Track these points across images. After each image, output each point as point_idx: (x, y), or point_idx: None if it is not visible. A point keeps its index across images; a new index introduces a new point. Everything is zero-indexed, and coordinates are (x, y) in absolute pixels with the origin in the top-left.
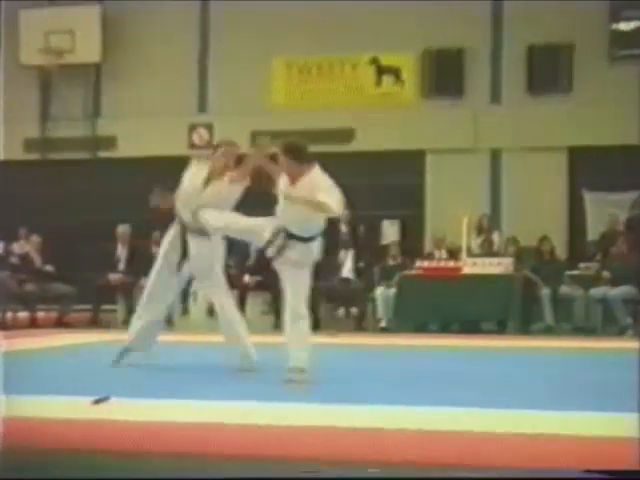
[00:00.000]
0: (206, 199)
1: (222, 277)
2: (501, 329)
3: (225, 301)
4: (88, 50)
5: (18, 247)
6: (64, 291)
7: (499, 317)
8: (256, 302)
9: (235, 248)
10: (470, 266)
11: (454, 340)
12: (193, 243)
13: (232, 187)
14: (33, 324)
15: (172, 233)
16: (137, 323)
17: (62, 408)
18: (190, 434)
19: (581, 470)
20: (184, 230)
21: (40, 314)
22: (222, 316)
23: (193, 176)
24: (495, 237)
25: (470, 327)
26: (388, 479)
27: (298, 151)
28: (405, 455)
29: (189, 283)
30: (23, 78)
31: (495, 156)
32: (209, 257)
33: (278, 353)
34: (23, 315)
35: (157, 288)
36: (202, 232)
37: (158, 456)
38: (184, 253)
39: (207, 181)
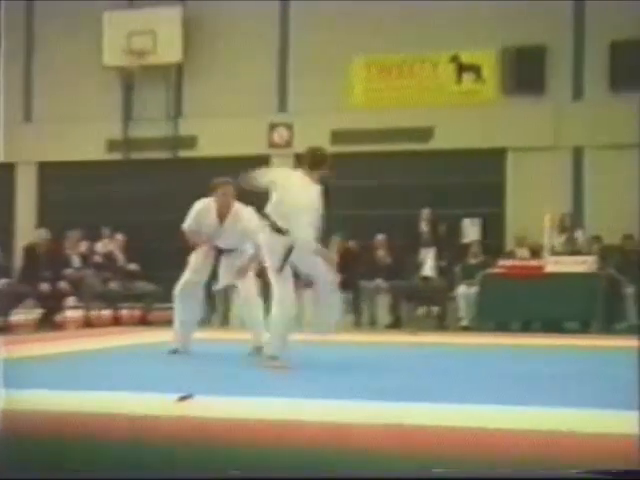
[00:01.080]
0: None
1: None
2: (584, 328)
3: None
4: (169, 50)
5: (102, 246)
6: (147, 289)
7: (582, 316)
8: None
9: None
10: (553, 264)
11: (536, 339)
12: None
13: None
14: (117, 322)
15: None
16: None
17: (148, 405)
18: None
19: (582, 470)
20: None
21: (124, 312)
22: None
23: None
24: (578, 235)
25: (552, 326)
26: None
27: None
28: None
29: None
30: (106, 79)
31: (577, 153)
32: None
33: (361, 352)
34: (107, 313)
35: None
36: None
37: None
38: None
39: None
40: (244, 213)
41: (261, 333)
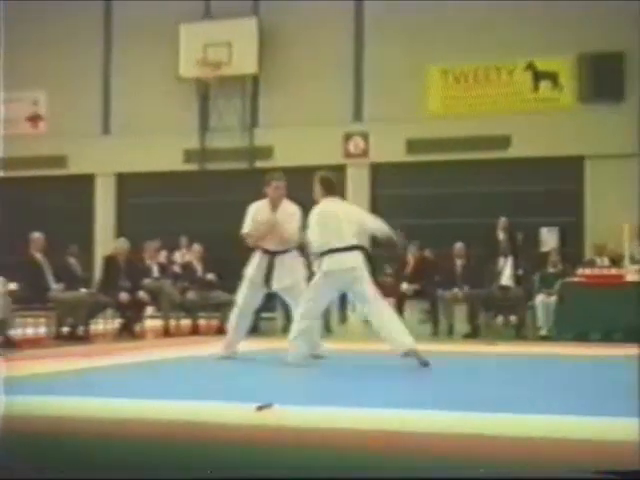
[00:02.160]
0: None
1: None
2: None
3: None
4: (245, 61)
5: (180, 256)
6: (225, 299)
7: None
8: (414, 310)
9: (393, 256)
10: (633, 273)
11: (616, 349)
12: None
13: None
14: (195, 331)
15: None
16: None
17: (228, 414)
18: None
19: (585, 471)
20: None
21: (202, 322)
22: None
23: None
24: None
25: (634, 336)
26: (400, 479)
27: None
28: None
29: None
30: (182, 90)
31: None
32: None
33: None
34: (185, 323)
35: None
36: None
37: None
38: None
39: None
40: (293, 209)
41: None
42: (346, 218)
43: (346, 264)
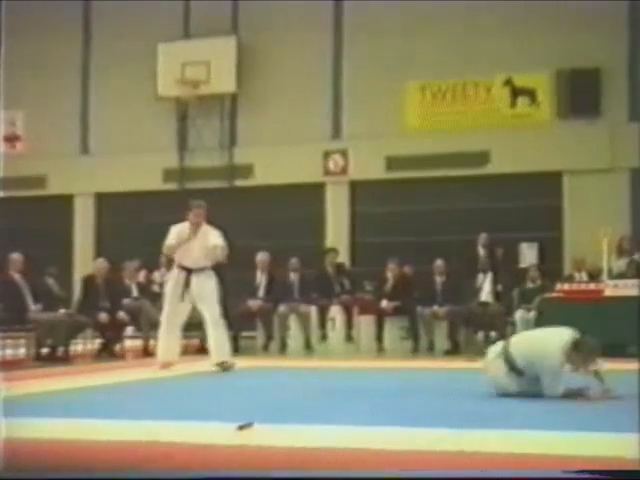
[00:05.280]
0: None
1: None
2: None
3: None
4: (223, 80)
5: (159, 276)
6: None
7: None
8: (394, 327)
9: (371, 273)
10: (612, 288)
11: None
12: None
13: None
14: None
15: None
16: None
17: (207, 434)
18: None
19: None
20: None
21: (182, 341)
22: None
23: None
24: (638, 258)
25: (614, 350)
26: (389, 479)
27: None
28: None
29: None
30: (161, 110)
31: (634, 175)
32: None
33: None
34: None
35: None
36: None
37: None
38: None
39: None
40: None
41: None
42: None
43: None
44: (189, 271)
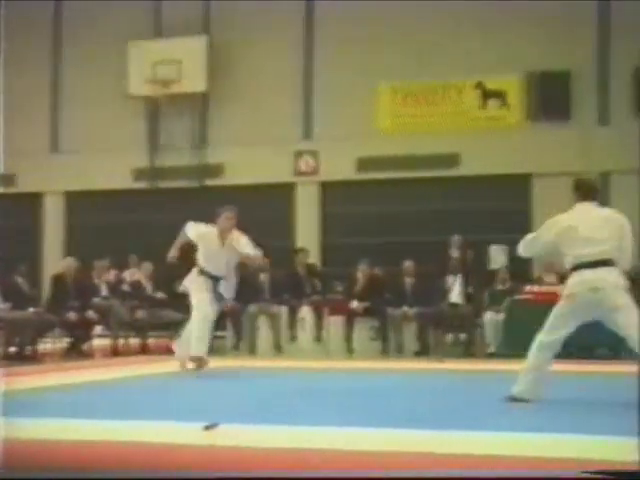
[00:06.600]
0: None
1: None
2: (615, 354)
3: None
4: (194, 80)
5: (129, 275)
6: (175, 318)
7: (612, 342)
8: (364, 328)
9: (342, 274)
10: None
11: (565, 365)
12: None
13: None
14: (144, 351)
15: None
16: None
17: (175, 433)
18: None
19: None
20: None
21: (151, 341)
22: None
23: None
24: None
25: (583, 352)
26: (385, 479)
27: None
28: None
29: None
30: (132, 108)
31: (603, 179)
32: None
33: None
34: (134, 342)
35: None
36: None
37: None
38: None
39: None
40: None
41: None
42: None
43: None
44: (216, 279)
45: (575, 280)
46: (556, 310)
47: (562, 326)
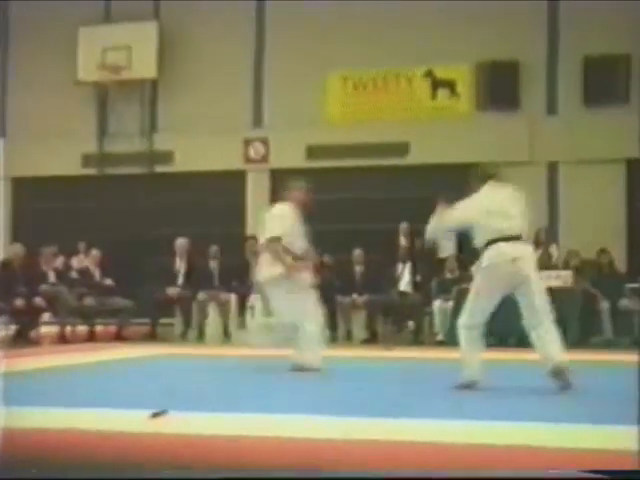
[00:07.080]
0: None
1: None
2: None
3: None
4: (144, 66)
5: (77, 261)
6: (123, 305)
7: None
8: None
9: None
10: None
11: (510, 354)
12: None
13: None
14: (92, 338)
15: None
16: None
17: (120, 421)
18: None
19: (581, 470)
20: None
21: (99, 328)
22: None
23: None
24: (553, 250)
25: (528, 341)
26: (385, 479)
27: None
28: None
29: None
30: (80, 94)
31: (552, 169)
32: None
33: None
34: (82, 329)
35: None
36: None
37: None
38: None
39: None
40: None
41: None
42: None
43: None
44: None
45: (494, 252)
46: (476, 285)
47: (485, 300)
